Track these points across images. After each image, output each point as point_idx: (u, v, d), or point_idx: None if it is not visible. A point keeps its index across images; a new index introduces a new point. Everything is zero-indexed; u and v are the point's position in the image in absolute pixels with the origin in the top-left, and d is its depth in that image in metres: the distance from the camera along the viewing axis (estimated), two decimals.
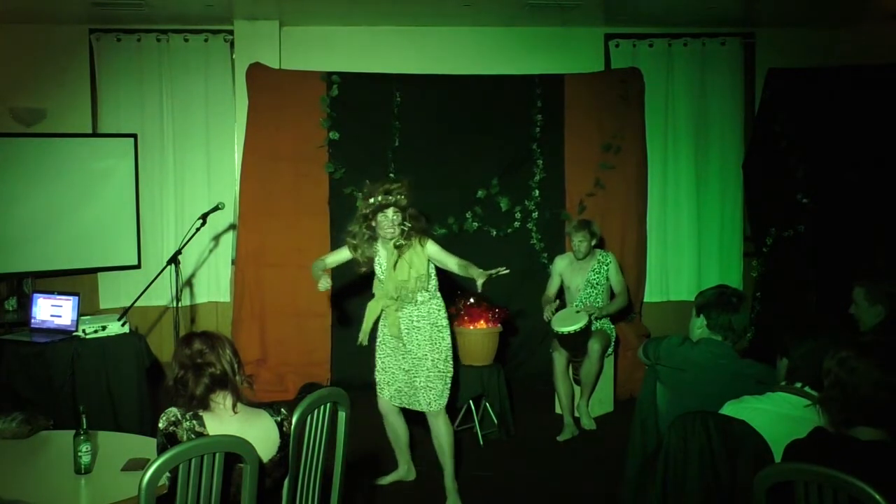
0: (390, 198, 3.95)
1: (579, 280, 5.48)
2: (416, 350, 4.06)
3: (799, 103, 6.33)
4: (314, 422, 2.74)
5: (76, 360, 4.61)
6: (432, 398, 4.06)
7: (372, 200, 3.98)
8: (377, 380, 4.23)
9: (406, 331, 4.06)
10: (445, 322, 4.12)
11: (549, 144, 6.46)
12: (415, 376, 4.08)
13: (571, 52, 6.77)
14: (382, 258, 4.09)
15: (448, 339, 4.11)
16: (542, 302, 5.58)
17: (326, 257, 4.32)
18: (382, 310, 4.14)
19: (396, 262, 3.99)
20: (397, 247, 3.98)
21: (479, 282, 3.69)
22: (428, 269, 4.03)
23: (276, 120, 6.23)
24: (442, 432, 4.10)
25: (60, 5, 5.94)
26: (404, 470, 4.41)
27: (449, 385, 4.12)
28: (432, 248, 4.03)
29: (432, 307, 4.08)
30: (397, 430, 4.31)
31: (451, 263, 3.96)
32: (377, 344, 4.22)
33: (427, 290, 4.05)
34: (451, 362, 4.12)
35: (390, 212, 3.95)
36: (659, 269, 6.86)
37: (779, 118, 6.39)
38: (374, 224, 4.01)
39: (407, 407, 4.20)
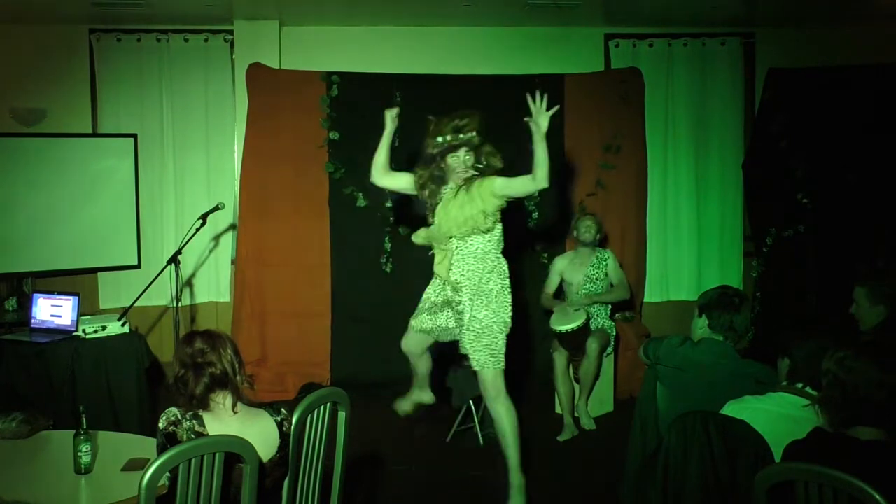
0: (461, 136, 3.53)
1: (579, 276, 5.50)
2: (459, 304, 3.69)
3: (799, 103, 6.33)
4: (314, 422, 2.74)
5: (76, 360, 4.61)
6: (475, 360, 3.70)
7: (440, 139, 3.54)
8: (418, 308, 3.85)
9: (455, 280, 3.66)
10: (498, 287, 3.67)
11: (549, 144, 6.42)
12: (460, 330, 3.71)
13: (571, 52, 6.77)
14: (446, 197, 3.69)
15: (496, 306, 3.67)
16: (541, 301, 5.59)
17: (385, 175, 3.80)
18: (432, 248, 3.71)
19: (457, 198, 3.57)
20: (460, 185, 3.58)
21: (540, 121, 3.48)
22: (492, 211, 3.61)
23: (276, 120, 6.23)
24: (503, 417, 3.70)
25: (60, 5, 5.94)
26: (417, 394, 4.18)
27: (496, 354, 3.71)
28: (500, 181, 3.60)
29: (487, 262, 3.65)
30: (420, 367, 4.03)
31: (518, 181, 3.55)
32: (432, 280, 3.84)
33: (484, 237, 3.63)
34: (500, 329, 3.69)
35: (462, 153, 3.54)
36: (659, 269, 6.86)
37: (779, 118, 6.38)
38: (443, 166, 3.59)
39: (447, 340, 3.86)
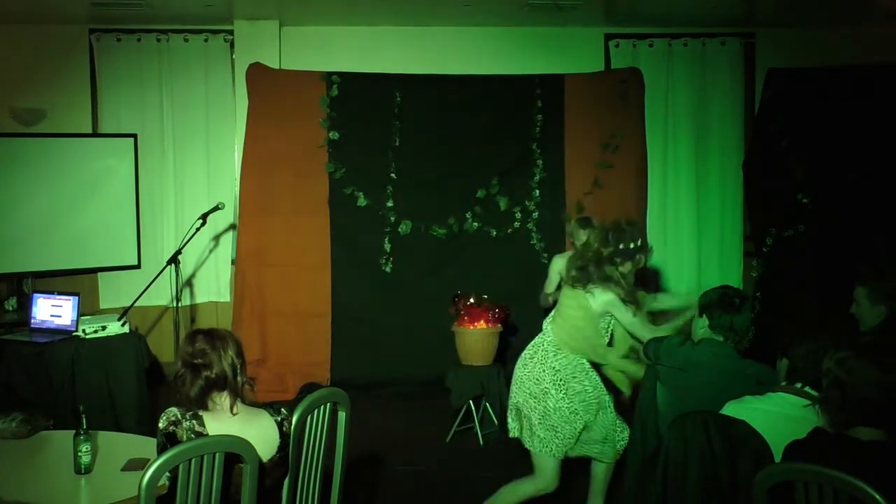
0: (638, 256, 3.44)
1: None
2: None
3: (799, 103, 6.33)
4: (314, 422, 2.74)
5: (76, 360, 4.61)
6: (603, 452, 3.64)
7: (631, 245, 3.39)
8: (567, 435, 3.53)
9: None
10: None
11: (549, 144, 6.45)
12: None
13: (571, 52, 6.77)
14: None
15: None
16: (540, 301, 5.58)
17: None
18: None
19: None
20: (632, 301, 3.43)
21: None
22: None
23: (276, 120, 6.23)
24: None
25: (60, 5, 5.94)
26: None
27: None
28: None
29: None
30: None
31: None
32: (574, 401, 3.46)
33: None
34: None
35: (629, 266, 3.44)
36: (659, 269, 6.85)
37: (779, 118, 6.38)
38: (611, 269, 3.39)
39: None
